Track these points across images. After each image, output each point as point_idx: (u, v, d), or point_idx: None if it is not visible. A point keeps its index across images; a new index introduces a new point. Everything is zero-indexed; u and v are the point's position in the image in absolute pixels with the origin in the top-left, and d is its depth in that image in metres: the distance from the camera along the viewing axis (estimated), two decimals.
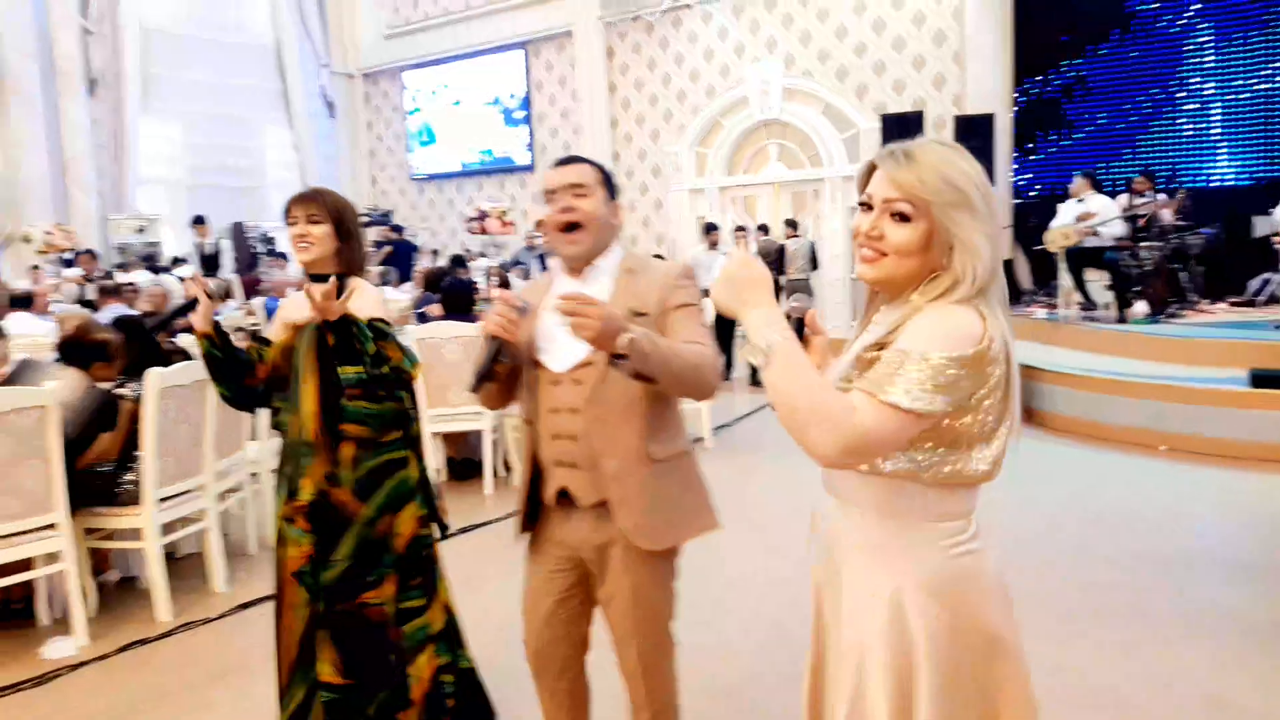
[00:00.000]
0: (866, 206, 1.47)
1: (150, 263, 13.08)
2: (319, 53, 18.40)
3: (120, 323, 4.19)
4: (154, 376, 3.88)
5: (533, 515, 2.28)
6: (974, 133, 10.29)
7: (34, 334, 6.18)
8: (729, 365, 9.64)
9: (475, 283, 7.92)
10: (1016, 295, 10.62)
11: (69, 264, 13.16)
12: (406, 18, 17.81)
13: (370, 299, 2.65)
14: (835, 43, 12.84)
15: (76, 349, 4.00)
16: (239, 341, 2.74)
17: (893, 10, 12.33)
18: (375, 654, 2.59)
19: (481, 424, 5.80)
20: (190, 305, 2.60)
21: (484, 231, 7.91)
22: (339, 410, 2.54)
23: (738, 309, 1.40)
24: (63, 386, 3.77)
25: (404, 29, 17.83)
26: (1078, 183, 8.62)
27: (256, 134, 17.68)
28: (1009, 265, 11.23)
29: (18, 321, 6.66)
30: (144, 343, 4.20)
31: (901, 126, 10.22)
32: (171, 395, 4.00)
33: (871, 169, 1.49)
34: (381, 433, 2.58)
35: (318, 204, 2.59)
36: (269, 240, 15.02)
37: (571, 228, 2.14)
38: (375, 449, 2.57)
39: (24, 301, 7.46)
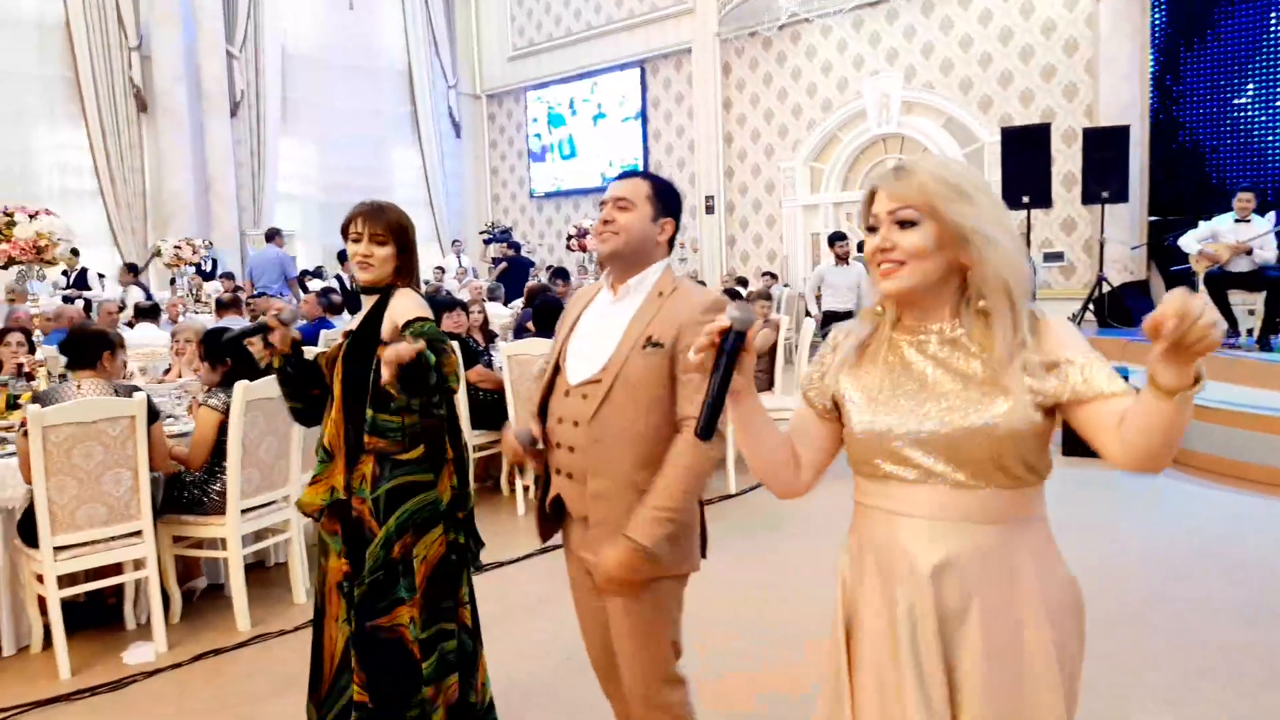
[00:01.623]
0: (872, 230, 1.53)
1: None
2: (447, 75, 18.99)
3: (211, 334, 4.30)
4: (240, 389, 3.96)
5: (557, 521, 2.33)
6: (1106, 145, 9.69)
7: (153, 343, 6.48)
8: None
9: (562, 291, 7.90)
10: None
11: (208, 277, 13.92)
12: (530, 39, 18.17)
13: (409, 302, 2.58)
14: (959, 53, 12.38)
15: (77, 349, 3.98)
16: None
17: (1021, 19, 11.81)
18: (394, 675, 2.55)
19: None
20: (261, 329, 2.60)
21: (582, 249, 7.91)
22: (362, 420, 2.49)
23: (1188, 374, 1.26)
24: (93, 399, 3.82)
25: (528, 49, 18.21)
26: (1243, 198, 7.91)
27: (386, 154, 18.35)
28: (1144, 287, 10.54)
29: (141, 331, 7.02)
30: (237, 355, 4.30)
31: (1025, 139, 9.74)
32: (258, 407, 4.08)
33: (872, 195, 1.54)
34: (404, 448, 2.50)
35: (384, 223, 2.56)
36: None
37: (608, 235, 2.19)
38: (394, 467, 2.49)
39: (150, 312, 7.86)
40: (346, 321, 9.24)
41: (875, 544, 1.56)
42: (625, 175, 2.25)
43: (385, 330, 2.48)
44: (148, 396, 3.85)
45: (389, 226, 2.56)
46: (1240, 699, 3.21)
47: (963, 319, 1.50)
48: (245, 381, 3.99)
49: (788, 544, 5.11)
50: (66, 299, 9.21)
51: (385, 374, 2.20)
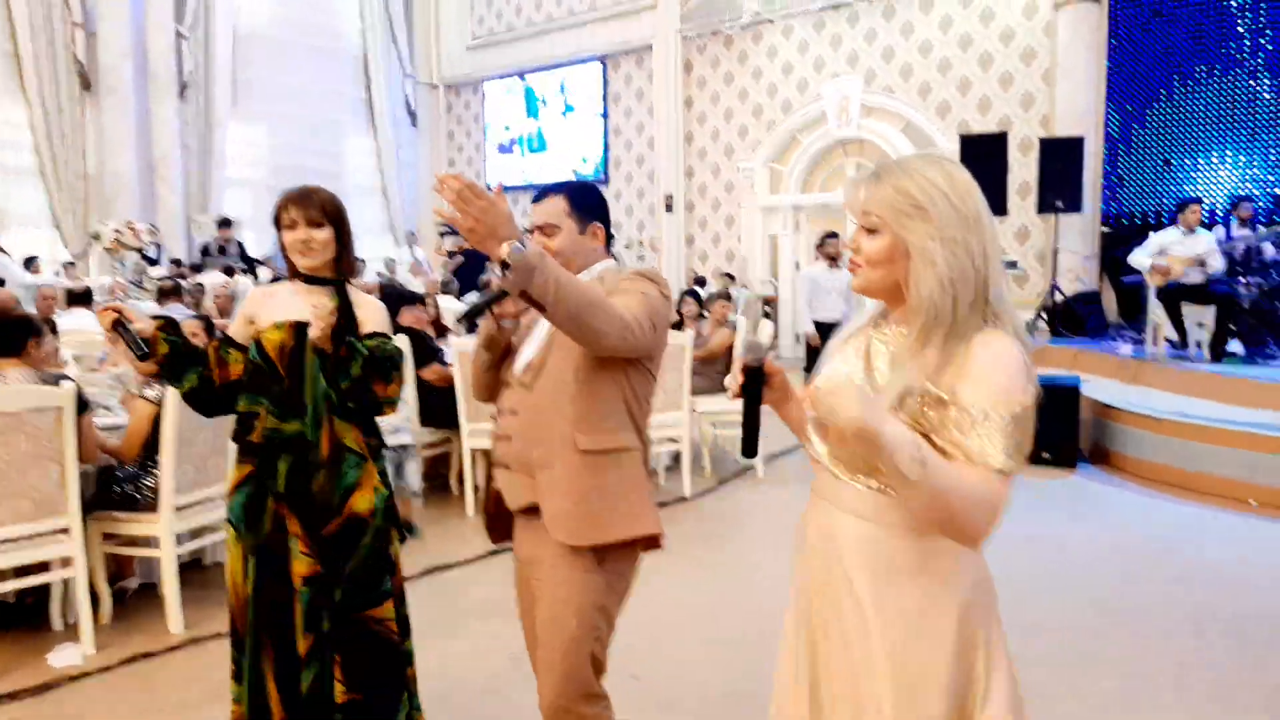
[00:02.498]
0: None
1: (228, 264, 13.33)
2: (404, 62, 18.67)
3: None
4: None
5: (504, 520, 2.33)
6: (1061, 156, 9.79)
7: (88, 330, 6.22)
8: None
9: None
10: (1102, 329, 10.06)
11: (154, 262, 13.51)
12: (490, 29, 17.94)
13: (374, 312, 2.59)
14: (919, 59, 12.44)
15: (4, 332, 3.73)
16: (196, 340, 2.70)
17: (980, 26, 11.89)
18: (387, 668, 2.53)
19: None
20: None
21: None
22: (369, 421, 2.60)
23: (877, 433, 1.27)
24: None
25: (487, 40, 17.97)
26: (1192, 210, 7.99)
27: (340, 140, 17.99)
28: (1095, 296, 10.68)
29: (73, 318, 6.75)
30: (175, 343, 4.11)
31: (984, 148, 9.80)
32: None
33: None
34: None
35: (318, 205, 2.46)
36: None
37: None
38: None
39: (82, 298, 7.54)
40: (249, 299, 8.98)
41: (804, 520, 1.67)
42: (539, 197, 2.24)
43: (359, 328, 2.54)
44: (77, 386, 3.66)
45: (324, 208, 2.47)
46: (1188, 708, 3.21)
47: (908, 321, 1.52)
48: None
49: (745, 548, 5.05)
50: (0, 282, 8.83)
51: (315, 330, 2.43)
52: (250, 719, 2.51)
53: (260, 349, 2.47)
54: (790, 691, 1.65)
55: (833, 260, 8.03)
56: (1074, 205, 9.81)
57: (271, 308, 2.52)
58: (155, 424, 3.86)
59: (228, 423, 4.11)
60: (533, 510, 2.15)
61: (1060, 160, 9.77)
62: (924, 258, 1.45)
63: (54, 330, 5.36)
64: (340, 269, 2.55)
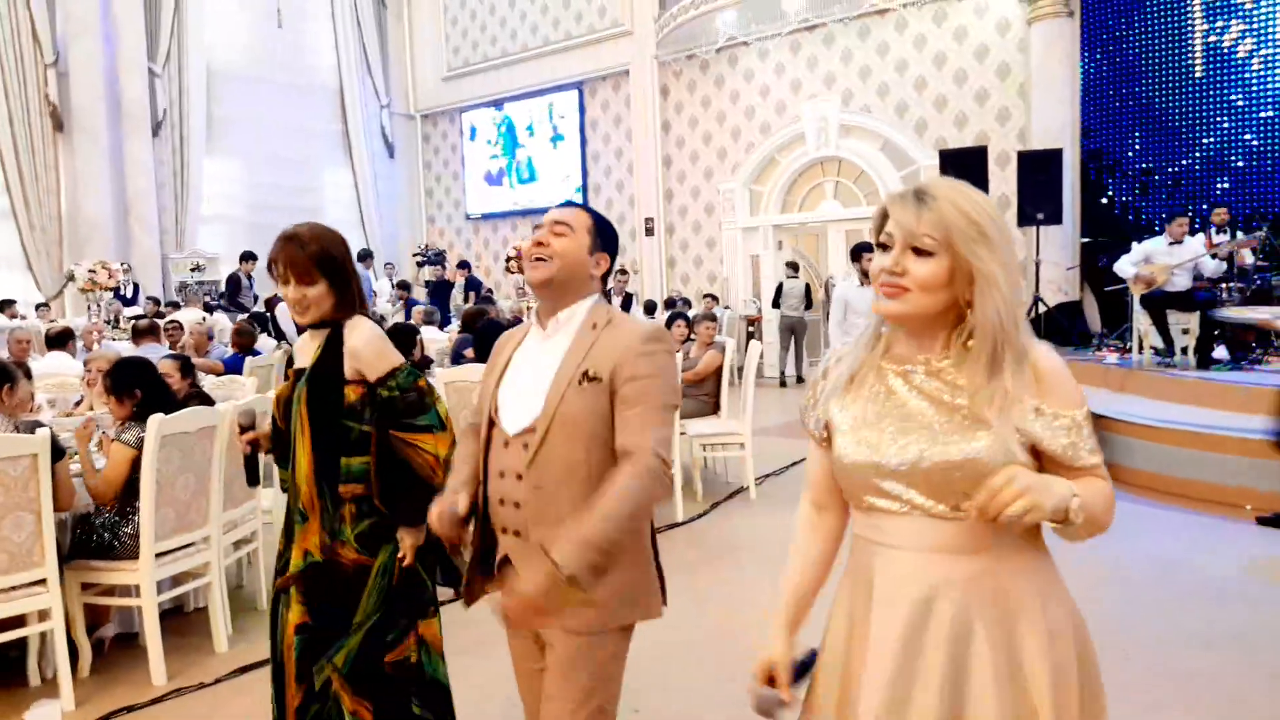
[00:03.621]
0: (884, 246, 1.50)
1: (207, 302, 13.19)
2: (380, 94, 18.65)
3: (119, 366, 3.99)
4: (155, 423, 3.68)
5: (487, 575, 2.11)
6: (1040, 169, 9.84)
7: (64, 373, 6.09)
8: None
9: (513, 323, 7.69)
10: (1085, 338, 10.08)
11: (129, 302, 13.35)
12: (466, 59, 17.96)
13: (371, 344, 2.41)
14: (895, 77, 12.50)
15: None
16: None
17: (955, 43, 11.97)
18: (408, 707, 2.48)
19: None
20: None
21: (520, 270, 7.68)
22: (337, 470, 2.38)
23: (1057, 509, 1.37)
24: None
25: (462, 70, 17.98)
26: (1180, 223, 8.01)
27: (317, 173, 17.91)
28: (1078, 307, 10.70)
29: (51, 361, 6.60)
30: (148, 386, 4.00)
31: (962, 162, 9.83)
32: (174, 443, 3.80)
33: (885, 214, 1.51)
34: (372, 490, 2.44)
35: (305, 260, 2.35)
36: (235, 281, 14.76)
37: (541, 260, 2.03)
38: (370, 506, 2.41)
39: (60, 340, 7.36)
40: (273, 349, 8.93)
41: (867, 576, 1.54)
42: (566, 205, 2.12)
43: (349, 371, 2.38)
44: (51, 433, 3.54)
45: (315, 261, 2.35)
46: None
47: (952, 351, 1.49)
48: (160, 415, 3.70)
49: (739, 573, 4.95)
50: None
51: (409, 558, 2.43)
52: None
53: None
54: None
55: (867, 277, 7.39)
56: (1054, 217, 9.85)
57: (296, 360, 2.54)
58: (135, 468, 3.74)
59: (209, 467, 4.03)
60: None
61: (1039, 173, 9.81)
62: (990, 282, 1.43)
63: (28, 375, 5.25)
64: (340, 312, 2.43)
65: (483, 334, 5.99)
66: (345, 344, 2.40)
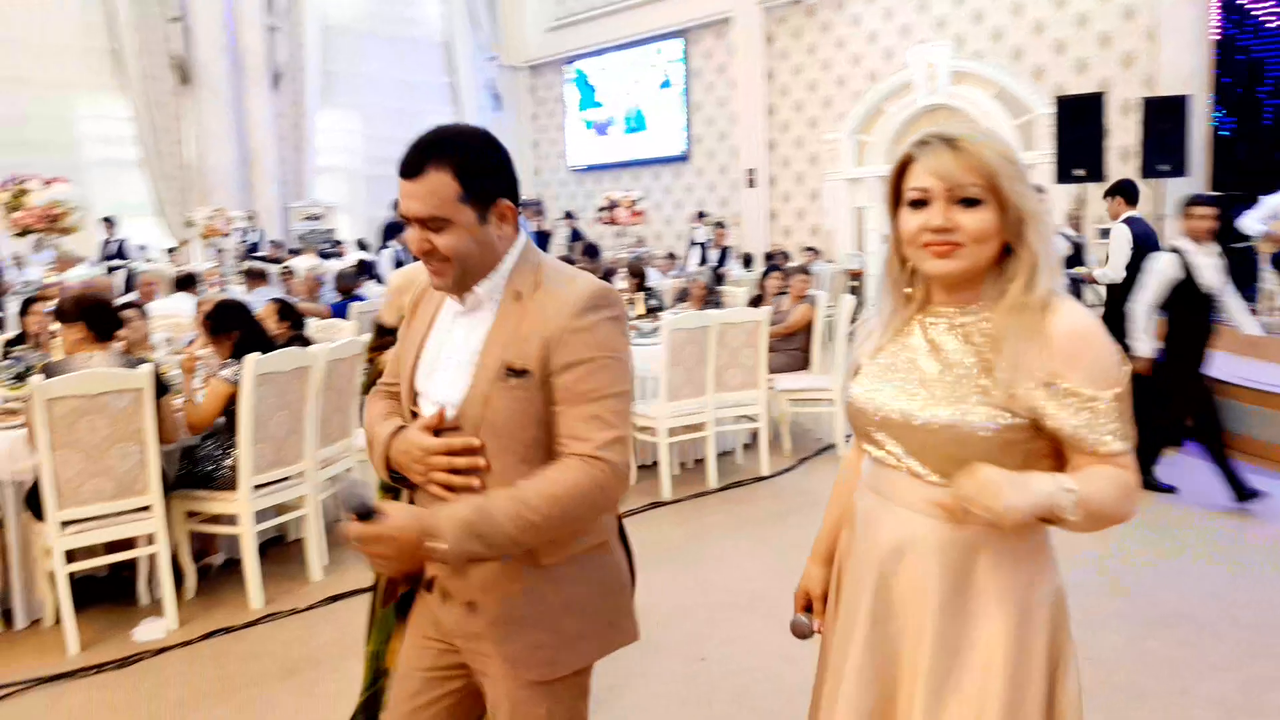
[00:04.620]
0: (919, 203, 1.41)
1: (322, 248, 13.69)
2: (487, 46, 18.82)
3: (219, 307, 4.20)
4: (250, 361, 3.86)
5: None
6: (1165, 117, 9.24)
7: (180, 314, 6.43)
8: None
9: (596, 272, 7.74)
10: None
11: (254, 248, 13.97)
12: (571, 9, 17.93)
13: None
14: (1011, 20, 11.92)
15: (92, 320, 3.85)
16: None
17: None
18: None
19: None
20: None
21: (613, 222, 7.72)
22: None
23: (1019, 505, 1.28)
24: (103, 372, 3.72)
25: (568, 20, 17.97)
26: None
27: (426, 125, 18.09)
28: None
29: (171, 302, 6.99)
30: (248, 327, 4.20)
31: (1079, 109, 9.32)
32: (269, 381, 3.98)
33: (905, 164, 1.43)
34: None
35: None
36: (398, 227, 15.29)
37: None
38: None
39: (185, 283, 7.84)
40: (380, 291, 9.22)
41: (857, 520, 1.55)
42: (411, 171, 1.49)
43: None
44: (156, 369, 3.76)
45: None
46: None
47: (987, 302, 1.42)
48: (256, 354, 3.88)
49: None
50: (112, 269, 9.25)
51: None
52: None
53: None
54: (859, 682, 1.48)
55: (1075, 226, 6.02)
56: (1180, 169, 9.27)
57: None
58: (232, 403, 3.95)
59: (303, 405, 4.22)
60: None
61: (1164, 121, 9.22)
62: (1036, 220, 1.37)
63: (143, 314, 5.57)
64: None
65: None
66: None
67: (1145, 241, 6.20)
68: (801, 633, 1.70)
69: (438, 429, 1.55)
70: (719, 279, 9.76)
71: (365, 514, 1.43)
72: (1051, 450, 1.39)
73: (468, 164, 1.49)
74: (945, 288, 1.45)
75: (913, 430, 1.41)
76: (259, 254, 13.20)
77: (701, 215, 13.93)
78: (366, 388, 2.66)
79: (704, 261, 12.48)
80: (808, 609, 1.71)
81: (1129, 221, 6.31)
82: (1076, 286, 7.55)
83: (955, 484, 1.30)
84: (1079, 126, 9.21)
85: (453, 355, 1.58)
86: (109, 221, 12.61)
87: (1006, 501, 1.25)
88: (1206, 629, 3.58)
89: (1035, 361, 1.33)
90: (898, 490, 1.46)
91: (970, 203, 1.37)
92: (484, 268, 1.55)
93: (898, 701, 1.45)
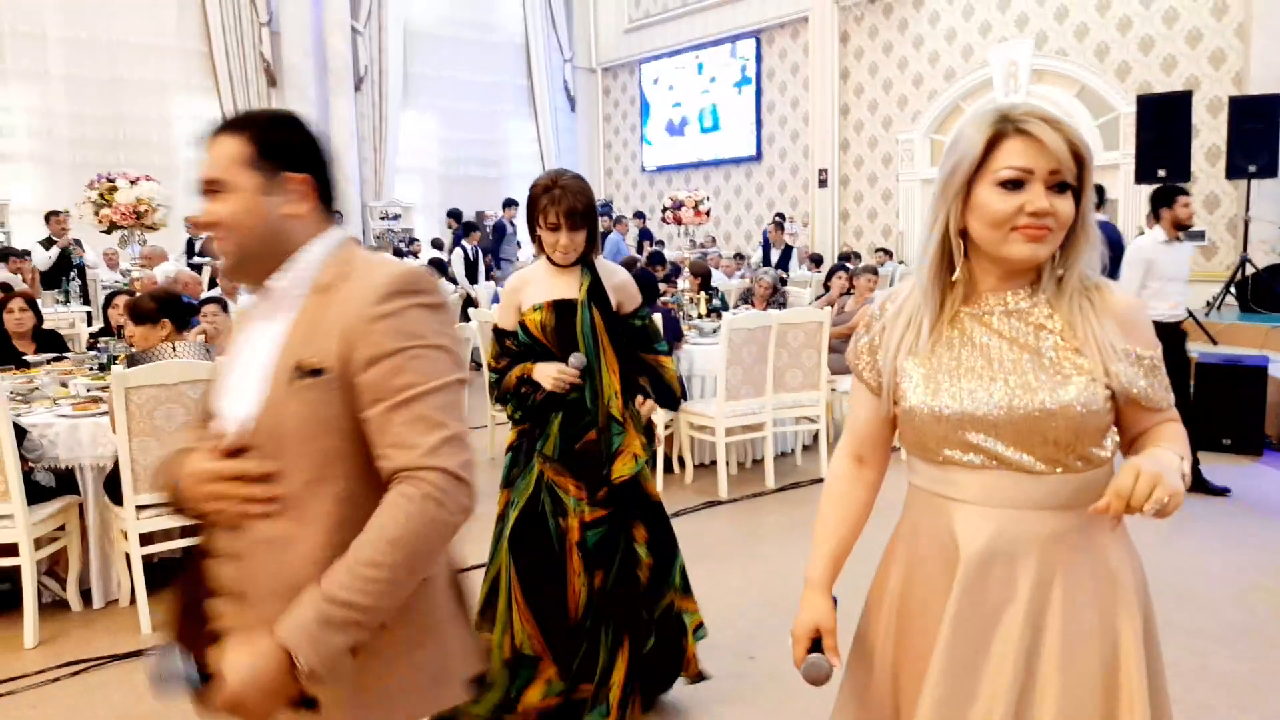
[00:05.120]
0: (1014, 184, 1.34)
1: (400, 247, 14.03)
2: (563, 48, 19.02)
3: None
4: None
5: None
6: (1255, 115, 8.90)
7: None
8: None
9: (660, 273, 7.80)
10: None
11: None
12: (646, 10, 18.01)
13: (631, 281, 2.89)
14: (1096, 18, 11.59)
15: (172, 313, 4.10)
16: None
17: None
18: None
19: (656, 418, 5.64)
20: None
21: (678, 221, 7.75)
22: (636, 388, 2.89)
23: (1175, 486, 1.23)
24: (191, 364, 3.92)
25: (643, 21, 18.05)
26: None
27: (503, 127, 18.55)
28: None
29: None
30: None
31: (1164, 108, 9.03)
32: None
33: (994, 139, 1.35)
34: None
35: (579, 210, 2.68)
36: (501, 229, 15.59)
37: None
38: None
39: None
40: (451, 290, 9.42)
41: (933, 530, 1.46)
42: (221, 129, 1.39)
43: (614, 304, 2.78)
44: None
45: (585, 211, 2.70)
46: None
47: (1042, 289, 1.41)
48: None
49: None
50: (194, 266, 9.63)
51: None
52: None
53: (526, 330, 2.78)
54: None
55: (1181, 229, 5.28)
56: (1269, 169, 8.92)
57: (529, 292, 2.81)
58: None
59: None
60: None
61: (1254, 120, 8.88)
62: (1091, 209, 1.40)
63: (225, 309, 5.80)
64: (590, 249, 2.77)
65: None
66: (607, 281, 2.79)
67: (1112, 247, 6.08)
68: (817, 677, 1.48)
69: (232, 451, 1.32)
70: (782, 280, 9.75)
71: (197, 684, 1.25)
72: (1117, 419, 1.43)
73: (260, 132, 1.37)
74: (1003, 275, 1.41)
75: (1016, 422, 1.36)
76: None
77: (780, 217, 13.89)
78: (496, 396, 2.88)
79: (766, 261, 12.44)
80: (815, 646, 1.53)
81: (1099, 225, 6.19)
82: None
83: (1120, 482, 1.21)
84: (1162, 125, 8.92)
85: (249, 364, 1.36)
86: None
87: (1173, 488, 1.21)
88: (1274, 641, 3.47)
89: (1113, 335, 1.37)
90: (998, 491, 1.38)
91: (1064, 187, 1.34)
92: (272, 250, 1.36)
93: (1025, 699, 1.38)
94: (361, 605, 1.21)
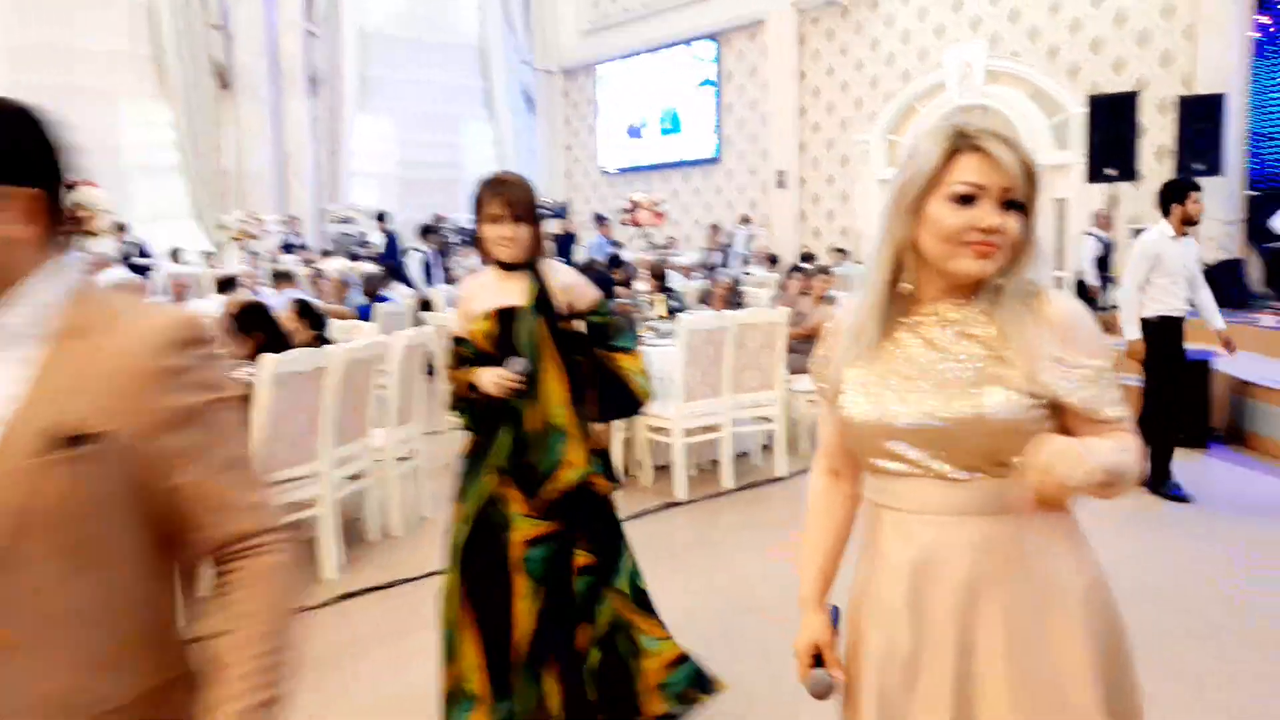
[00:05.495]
0: (966, 199, 1.34)
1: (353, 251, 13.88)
2: (521, 50, 18.96)
3: (245, 308, 4.29)
4: (268, 361, 3.93)
5: None
6: (1201, 116, 9.08)
7: (209, 313, 6.57)
8: None
9: (618, 275, 7.76)
10: (1245, 300, 9.32)
11: (289, 249, 14.20)
12: (605, 13, 18.01)
13: (578, 283, 2.77)
14: (1047, 19, 11.77)
15: None
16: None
17: None
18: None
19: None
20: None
21: (635, 223, 7.75)
22: (583, 396, 2.72)
23: (1096, 466, 1.27)
24: None
25: (602, 24, 18.04)
26: None
27: (461, 130, 18.45)
28: (1239, 265, 9.90)
29: (206, 304, 7.15)
30: (270, 330, 4.29)
31: (1112, 108, 9.19)
32: (286, 381, 4.05)
33: (950, 154, 1.36)
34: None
35: (522, 203, 2.62)
36: (463, 232, 15.52)
37: None
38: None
39: (226, 285, 8.02)
40: (408, 294, 9.34)
41: (874, 541, 1.48)
42: None
43: (562, 306, 2.68)
44: None
45: (528, 205, 2.63)
46: None
47: (980, 298, 1.40)
48: (272, 355, 3.96)
49: (740, 554, 4.90)
50: (138, 269, 9.45)
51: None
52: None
53: (473, 341, 2.71)
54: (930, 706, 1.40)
55: (1188, 225, 5.21)
56: (1214, 168, 9.10)
57: (478, 301, 2.73)
58: (247, 404, 4.02)
59: (319, 405, 4.29)
60: None
61: (1200, 120, 9.07)
62: (1036, 221, 1.39)
63: None
64: (534, 250, 2.70)
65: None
66: (551, 282, 2.68)
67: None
68: (821, 692, 1.50)
69: None
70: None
71: None
72: (1061, 431, 1.37)
73: None
74: (946, 287, 1.41)
75: (937, 431, 1.37)
76: (293, 257, 13.44)
77: (746, 220, 13.94)
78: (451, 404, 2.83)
79: (726, 264, 12.48)
80: (817, 662, 1.53)
81: None
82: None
83: (1026, 460, 1.26)
84: (1112, 125, 9.07)
85: None
86: (121, 228, 12.89)
87: (1088, 464, 1.24)
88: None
89: (1045, 343, 1.34)
90: (922, 498, 1.40)
91: (1014, 206, 1.35)
92: None
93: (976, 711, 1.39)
94: (281, 684, 1.08)
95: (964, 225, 1.33)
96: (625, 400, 2.79)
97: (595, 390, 2.75)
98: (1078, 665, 1.35)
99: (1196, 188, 5.26)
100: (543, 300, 2.66)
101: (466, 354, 2.75)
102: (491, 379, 2.62)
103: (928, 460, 1.38)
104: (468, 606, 2.66)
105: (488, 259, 2.71)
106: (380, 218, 13.82)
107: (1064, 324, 1.37)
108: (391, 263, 10.27)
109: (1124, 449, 1.34)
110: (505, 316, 2.66)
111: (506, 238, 2.59)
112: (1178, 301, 5.19)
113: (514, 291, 2.67)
